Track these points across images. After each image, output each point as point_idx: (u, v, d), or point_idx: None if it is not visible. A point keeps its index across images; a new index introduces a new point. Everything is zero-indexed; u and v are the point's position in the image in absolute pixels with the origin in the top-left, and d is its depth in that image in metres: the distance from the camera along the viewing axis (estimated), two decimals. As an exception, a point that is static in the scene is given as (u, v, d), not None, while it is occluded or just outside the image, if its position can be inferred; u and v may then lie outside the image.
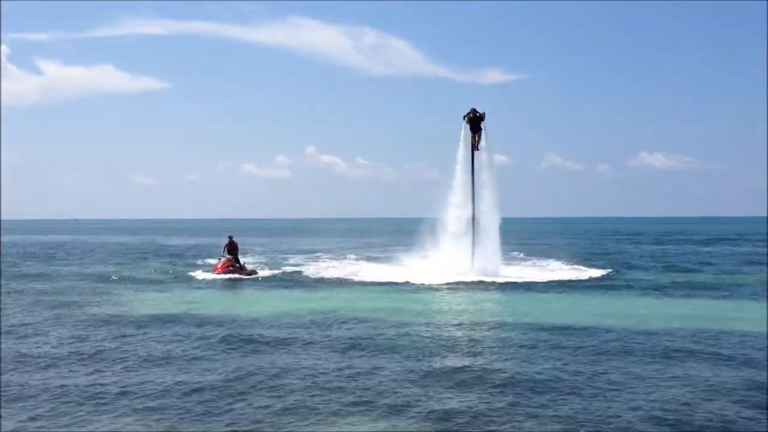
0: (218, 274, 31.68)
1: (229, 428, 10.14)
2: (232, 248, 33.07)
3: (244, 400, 11.43)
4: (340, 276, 31.84)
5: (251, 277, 31.79)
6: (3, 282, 29.50)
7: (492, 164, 33.49)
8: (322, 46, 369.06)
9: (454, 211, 33.09)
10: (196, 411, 10.87)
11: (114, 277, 31.78)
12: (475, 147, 32.64)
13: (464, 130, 33.09)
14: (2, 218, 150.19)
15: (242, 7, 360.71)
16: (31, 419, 10.57)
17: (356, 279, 30.48)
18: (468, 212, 32.60)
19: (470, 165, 32.77)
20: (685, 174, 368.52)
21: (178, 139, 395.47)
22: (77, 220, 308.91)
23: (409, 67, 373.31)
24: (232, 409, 10.95)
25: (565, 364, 13.73)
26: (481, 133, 32.63)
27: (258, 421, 10.40)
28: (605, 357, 14.43)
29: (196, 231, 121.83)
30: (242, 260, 33.85)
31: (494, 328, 18.11)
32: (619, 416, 10.55)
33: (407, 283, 28.43)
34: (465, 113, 32.96)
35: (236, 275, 31.56)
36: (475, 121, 32.66)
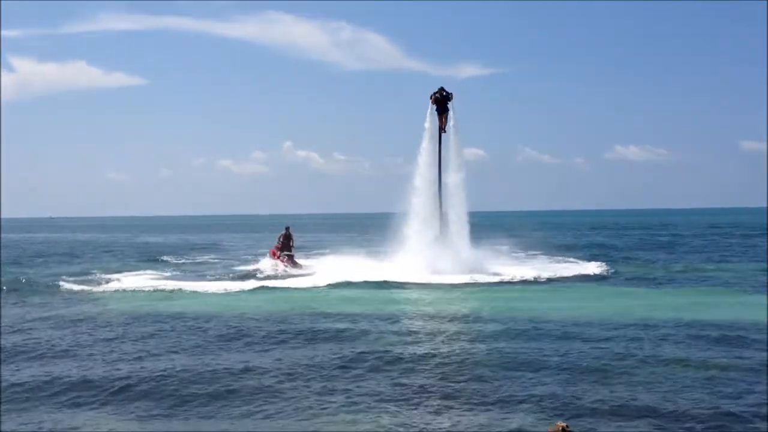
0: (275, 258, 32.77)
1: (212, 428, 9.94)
2: (287, 239, 33.20)
3: (230, 399, 11.14)
4: (304, 274, 30.05)
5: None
6: None
7: (460, 147, 32.00)
8: (297, 40, 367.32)
9: (420, 199, 31.13)
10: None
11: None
12: (442, 128, 31.21)
13: (430, 111, 31.53)
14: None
15: (217, 2, 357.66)
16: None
17: (320, 277, 28.12)
18: (435, 202, 31.03)
19: (437, 147, 31.41)
20: (660, 166, 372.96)
21: (153, 136, 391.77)
22: (52, 218, 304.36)
23: (386, 61, 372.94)
24: (213, 409, 10.66)
25: (543, 357, 13.47)
26: (448, 114, 31.14)
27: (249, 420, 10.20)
28: (587, 350, 14.02)
29: (171, 228, 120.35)
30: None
31: (468, 324, 17.56)
32: (600, 408, 10.33)
33: (368, 281, 26.26)
34: (432, 92, 31.31)
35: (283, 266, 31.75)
36: (441, 101, 31.20)
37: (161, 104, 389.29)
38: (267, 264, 33.17)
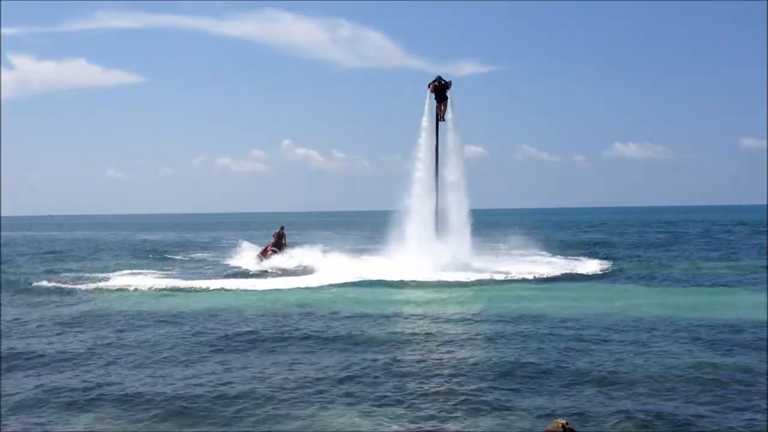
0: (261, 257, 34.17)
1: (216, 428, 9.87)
2: (280, 237, 35.52)
3: (234, 400, 10.97)
4: (299, 272, 29.95)
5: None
6: None
7: (459, 137, 31.66)
8: (297, 38, 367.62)
9: (419, 194, 30.63)
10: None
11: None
12: (440, 117, 30.99)
13: (429, 100, 31.28)
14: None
15: (216, 1, 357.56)
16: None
17: (319, 276, 27.80)
18: (433, 198, 30.56)
19: (434, 137, 31.15)
20: (660, 164, 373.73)
21: (153, 134, 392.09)
22: (51, 216, 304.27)
23: (385, 59, 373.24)
24: (212, 410, 10.53)
25: (542, 355, 13.35)
26: (446, 102, 30.89)
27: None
28: (587, 349, 13.92)
29: (170, 226, 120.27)
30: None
31: (467, 323, 17.37)
32: (600, 407, 10.26)
33: (368, 280, 25.99)
34: (430, 81, 31.18)
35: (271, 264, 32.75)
36: (440, 90, 30.93)
37: (161, 102, 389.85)
38: (251, 253, 35.69)
